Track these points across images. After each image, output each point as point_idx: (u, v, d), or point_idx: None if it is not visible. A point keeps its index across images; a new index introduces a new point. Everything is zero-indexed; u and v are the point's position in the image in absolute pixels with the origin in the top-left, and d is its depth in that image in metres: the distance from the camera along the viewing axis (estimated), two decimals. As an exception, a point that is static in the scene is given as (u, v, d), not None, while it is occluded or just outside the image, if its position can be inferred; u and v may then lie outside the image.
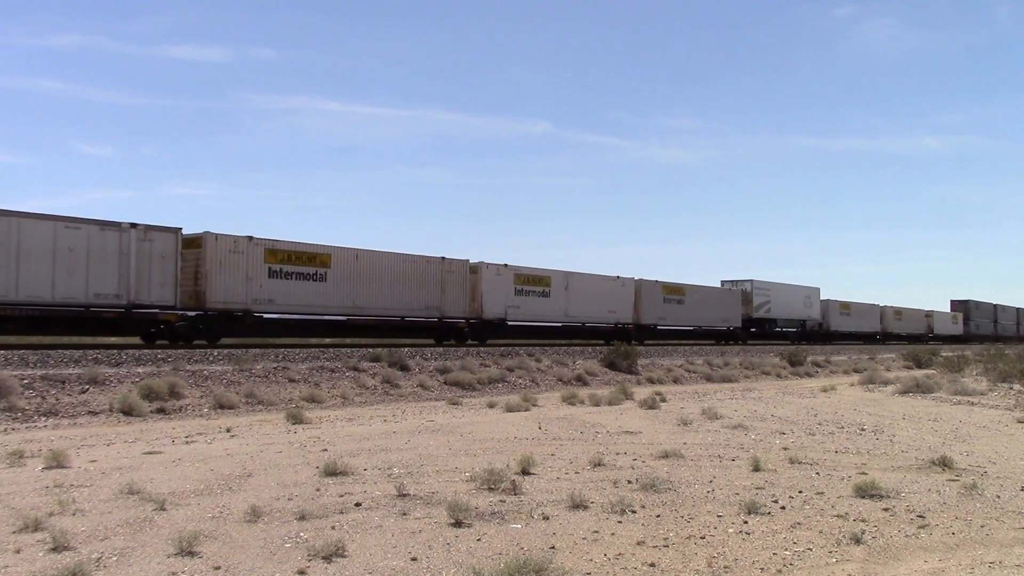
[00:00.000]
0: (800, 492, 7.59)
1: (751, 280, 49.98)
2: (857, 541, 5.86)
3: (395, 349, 23.19)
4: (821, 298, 57.16)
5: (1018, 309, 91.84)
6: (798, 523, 6.42)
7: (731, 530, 6.18)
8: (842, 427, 12.97)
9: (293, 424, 12.64)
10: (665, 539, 5.90)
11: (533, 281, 34.52)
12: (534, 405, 15.92)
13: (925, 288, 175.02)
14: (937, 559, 5.58)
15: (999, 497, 7.57)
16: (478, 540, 5.81)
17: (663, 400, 16.99)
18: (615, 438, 11.22)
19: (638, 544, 5.76)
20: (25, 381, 14.02)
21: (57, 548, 5.40)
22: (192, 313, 23.57)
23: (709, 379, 26.63)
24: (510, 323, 33.53)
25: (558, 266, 36.42)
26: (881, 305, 65.44)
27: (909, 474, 8.69)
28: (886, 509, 6.94)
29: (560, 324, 36.22)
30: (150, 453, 9.56)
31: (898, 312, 67.73)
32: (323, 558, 5.28)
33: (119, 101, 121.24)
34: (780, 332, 53.28)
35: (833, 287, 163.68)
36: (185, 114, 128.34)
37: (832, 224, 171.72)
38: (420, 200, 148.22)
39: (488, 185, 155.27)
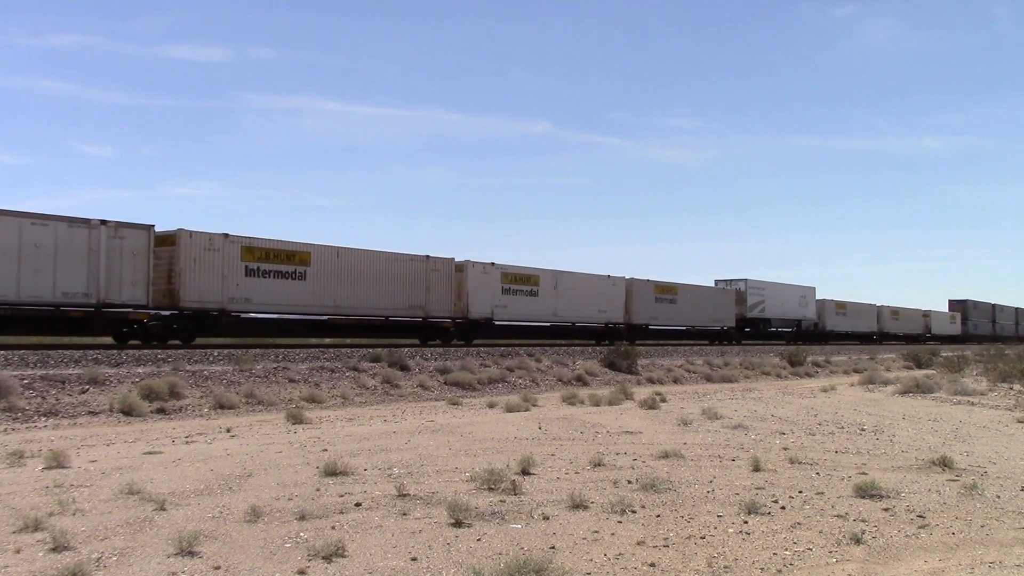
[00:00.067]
0: (800, 492, 7.59)
1: (745, 279, 49.54)
2: (857, 541, 5.86)
3: (395, 349, 23.18)
4: (817, 298, 56.80)
5: (1017, 309, 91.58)
6: (798, 523, 6.42)
7: (731, 530, 6.18)
8: (842, 427, 12.98)
9: (293, 424, 12.64)
10: (665, 539, 5.91)
11: (521, 280, 34.02)
12: (534, 405, 15.92)
13: (924, 288, 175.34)
14: (937, 559, 5.58)
15: (999, 497, 7.57)
16: (478, 540, 5.81)
17: (663, 400, 16.99)
18: (615, 438, 11.22)
19: (638, 544, 5.76)
20: (25, 381, 14.02)
21: (57, 548, 5.40)
22: (166, 312, 23.02)
23: (709, 379, 26.63)
24: (497, 323, 33.01)
25: (549, 265, 36.24)
26: (878, 305, 65.15)
27: (909, 474, 8.69)
28: (886, 509, 6.94)
29: (549, 324, 35.74)
30: (150, 453, 9.56)
31: (895, 312, 67.38)
32: (323, 558, 5.28)
33: (119, 101, 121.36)
34: (775, 332, 52.91)
35: (833, 287, 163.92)
36: (185, 114, 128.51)
37: (831, 224, 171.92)
38: (420, 200, 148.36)
39: (488, 185, 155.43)
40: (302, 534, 5.87)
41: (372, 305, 27.93)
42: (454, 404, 16.29)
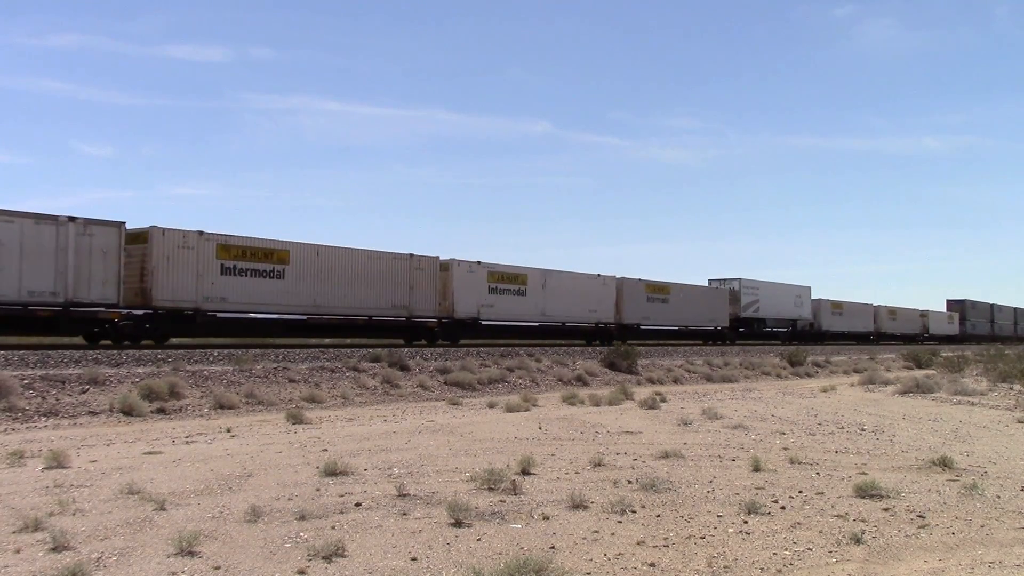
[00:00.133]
0: (800, 492, 7.59)
1: (739, 279, 48.91)
2: (857, 541, 5.86)
3: (395, 350, 23.17)
4: (812, 297, 56.31)
5: (1015, 309, 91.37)
6: (798, 523, 6.42)
7: (731, 530, 6.18)
8: (842, 427, 12.97)
9: (293, 424, 12.64)
10: (665, 539, 5.91)
11: (508, 279, 33.35)
12: (534, 405, 15.92)
13: (924, 288, 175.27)
14: (937, 559, 5.58)
15: (999, 497, 7.57)
16: (478, 540, 5.81)
17: (663, 400, 17.00)
18: (615, 438, 11.22)
19: (638, 544, 5.76)
20: (25, 381, 14.02)
21: (57, 548, 5.40)
22: (138, 312, 22.46)
23: (709, 379, 26.63)
24: (483, 322, 32.38)
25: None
26: (875, 305, 64.70)
27: (909, 474, 8.69)
28: (886, 509, 6.94)
29: (537, 324, 35.12)
30: (150, 453, 9.56)
31: (892, 312, 66.97)
32: (323, 558, 5.28)
33: (119, 101, 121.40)
34: (770, 332, 52.41)
35: (833, 287, 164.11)
36: (185, 114, 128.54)
37: (831, 224, 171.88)
38: (419, 200, 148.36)
39: (487, 185, 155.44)
40: (302, 534, 5.87)
41: (354, 304, 27.33)
42: (454, 404, 16.29)
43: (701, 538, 5.95)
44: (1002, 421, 14.34)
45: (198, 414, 14.12)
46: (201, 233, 23.40)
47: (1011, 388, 20.89)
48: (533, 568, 4.87)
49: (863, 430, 12.64)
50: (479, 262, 32.23)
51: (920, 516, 6.72)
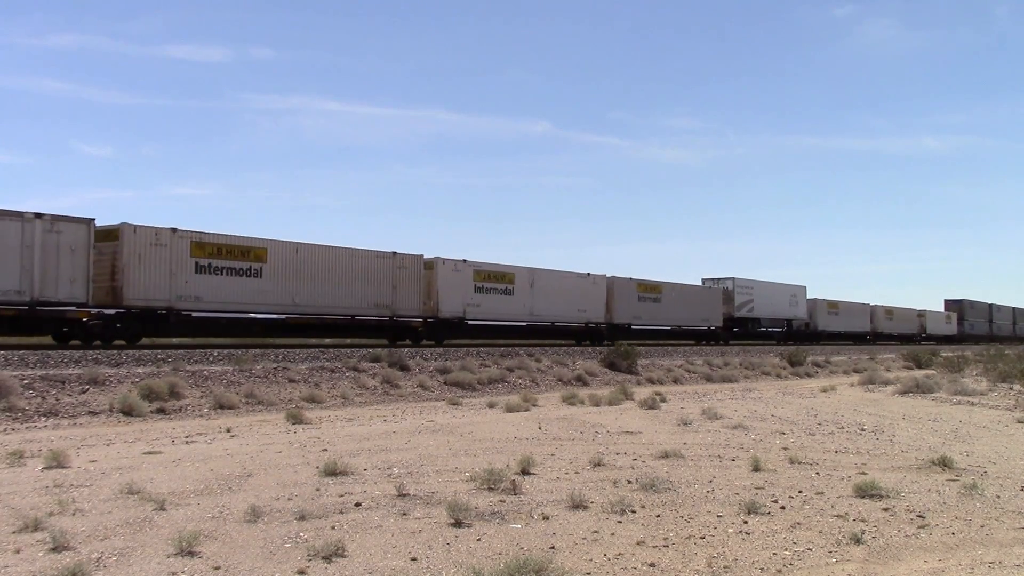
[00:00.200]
0: (800, 492, 7.59)
1: (733, 278, 48.40)
2: (857, 541, 5.86)
3: (395, 350, 23.15)
4: (808, 297, 55.88)
5: (1014, 309, 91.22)
6: (798, 523, 6.42)
7: (731, 530, 6.18)
8: (842, 427, 12.98)
9: (293, 424, 12.64)
10: (665, 539, 5.91)
11: (495, 278, 32.71)
12: (534, 405, 15.92)
13: (923, 289, 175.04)
14: (937, 559, 5.59)
15: (999, 497, 7.57)
16: (478, 540, 5.81)
17: (663, 400, 17.00)
18: (615, 438, 11.22)
19: (638, 544, 5.76)
20: (25, 381, 14.03)
21: (57, 548, 5.40)
22: (110, 311, 21.81)
23: (709, 379, 26.64)
24: (469, 322, 31.83)
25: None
26: (871, 304, 64.27)
27: (909, 474, 8.69)
28: (886, 509, 6.94)
29: (525, 324, 34.56)
30: (150, 453, 9.57)
31: (889, 311, 66.61)
32: (323, 558, 5.28)
33: (119, 101, 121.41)
34: (764, 332, 52.01)
35: (832, 287, 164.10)
36: (185, 114, 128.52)
37: (831, 224, 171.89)
38: (420, 200, 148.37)
39: (488, 185, 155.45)
40: (302, 534, 5.87)
41: (334, 304, 26.76)
42: (454, 404, 16.29)
43: (701, 538, 5.95)
44: (1002, 421, 14.34)
45: (198, 414, 14.13)
46: (174, 230, 22.82)
47: (1011, 388, 20.89)
48: (533, 568, 4.87)
49: (863, 430, 12.64)
50: (464, 260, 31.62)
51: (920, 516, 6.72)
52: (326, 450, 9.76)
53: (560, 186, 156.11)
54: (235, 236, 24.39)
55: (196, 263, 23.23)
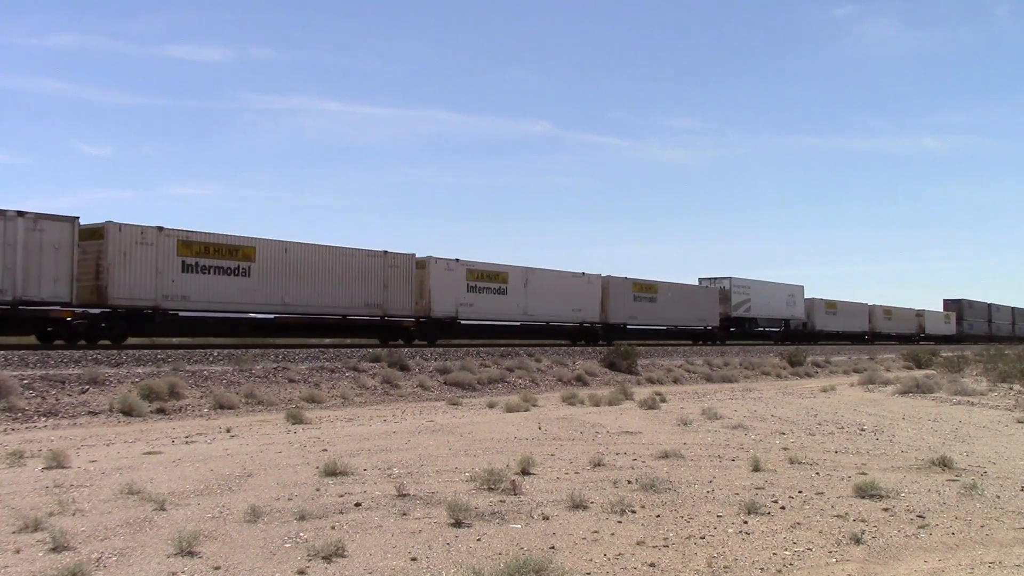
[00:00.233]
0: (800, 492, 7.59)
1: (730, 278, 48.11)
2: (857, 541, 5.86)
3: (395, 350, 23.13)
4: (806, 296, 55.61)
5: (1013, 308, 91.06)
6: (798, 523, 6.42)
7: (731, 530, 6.18)
8: (842, 427, 12.97)
9: (293, 424, 12.64)
10: (665, 539, 5.90)
11: (488, 277, 32.41)
12: (534, 405, 15.92)
13: (922, 289, 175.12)
14: (937, 559, 5.58)
15: (999, 497, 7.57)
16: (478, 540, 5.81)
17: (663, 400, 17.00)
18: (615, 438, 11.22)
19: (638, 544, 5.76)
20: (25, 381, 14.02)
21: (57, 548, 5.40)
22: (95, 311, 21.57)
23: (709, 379, 26.64)
24: (463, 322, 31.53)
25: (524, 262, 34.62)
26: (870, 304, 63.97)
27: (909, 474, 8.69)
28: (886, 509, 6.94)
29: (519, 323, 34.24)
30: (150, 453, 9.56)
31: (887, 311, 66.31)
32: (323, 558, 5.28)
33: (119, 101, 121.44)
34: (762, 332, 51.78)
35: (831, 287, 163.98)
36: (185, 114, 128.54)
37: (831, 224, 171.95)
38: (420, 200, 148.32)
39: (487, 185, 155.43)
40: (302, 534, 5.87)
41: (325, 303, 26.51)
42: (454, 404, 16.29)
43: (701, 538, 5.95)
44: (1002, 421, 14.34)
45: (198, 414, 14.12)
46: (161, 229, 22.59)
47: (1011, 388, 20.89)
48: (533, 568, 4.87)
49: (863, 430, 12.64)
50: (457, 259, 31.32)
51: (920, 516, 6.72)
52: (326, 450, 9.76)
53: (560, 186, 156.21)
54: (223, 235, 24.12)
55: (183, 262, 22.99)
